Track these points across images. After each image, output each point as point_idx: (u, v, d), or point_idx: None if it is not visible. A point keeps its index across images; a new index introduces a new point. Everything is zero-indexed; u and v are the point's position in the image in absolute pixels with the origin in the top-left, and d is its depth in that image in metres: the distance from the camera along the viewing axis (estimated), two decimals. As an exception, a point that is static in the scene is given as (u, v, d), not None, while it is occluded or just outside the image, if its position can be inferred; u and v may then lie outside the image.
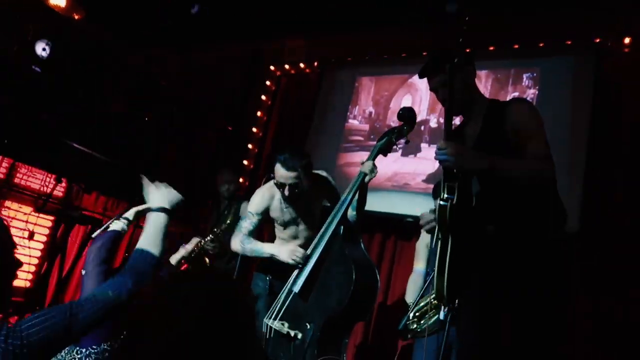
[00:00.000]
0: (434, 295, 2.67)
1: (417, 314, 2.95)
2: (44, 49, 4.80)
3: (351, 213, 2.90)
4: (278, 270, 2.85)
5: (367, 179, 2.79)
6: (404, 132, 2.83)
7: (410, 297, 3.15)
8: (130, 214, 2.17)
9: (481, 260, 2.00)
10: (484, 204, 1.99)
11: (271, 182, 2.98)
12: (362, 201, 2.90)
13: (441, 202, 1.94)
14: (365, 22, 4.99)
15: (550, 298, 2.04)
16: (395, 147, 2.89)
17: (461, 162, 1.96)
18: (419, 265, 3.19)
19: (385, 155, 2.89)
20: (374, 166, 2.79)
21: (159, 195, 1.75)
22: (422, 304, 2.97)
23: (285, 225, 3.07)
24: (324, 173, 3.14)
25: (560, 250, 2.12)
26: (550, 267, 2.04)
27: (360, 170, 2.80)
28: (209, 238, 4.01)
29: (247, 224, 3.03)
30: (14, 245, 1.43)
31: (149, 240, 1.62)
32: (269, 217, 3.09)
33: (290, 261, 2.75)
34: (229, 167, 4.54)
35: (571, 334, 3.29)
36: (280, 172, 2.83)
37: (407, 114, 2.81)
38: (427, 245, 3.13)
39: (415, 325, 2.90)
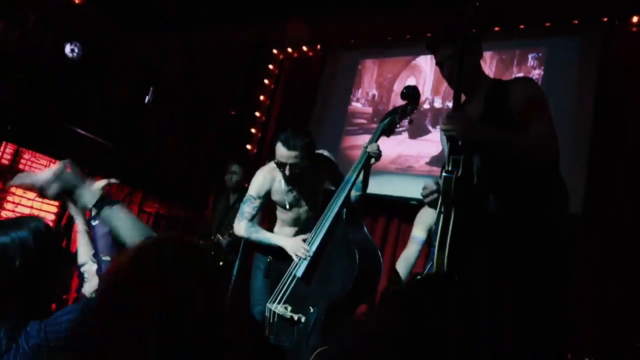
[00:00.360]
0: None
1: None
2: (72, 50, 4.79)
3: (354, 194, 2.85)
4: (279, 252, 2.80)
5: (372, 161, 2.73)
6: (407, 111, 2.75)
7: (401, 266, 3.10)
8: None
9: (483, 238, 1.99)
10: (486, 181, 1.97)
11: (271, 164, 2.90)
12: (365, 183, 2.84)
13: (446, 174, 1.92)
14: (368, 4, 4.92)
15: (552, 278, 2.03)
16: (398, 127, 2.82)
17: (468, 133, 1.94)
18: (417, 231, 3.13)
19: (388, 136, 2.82)
20: (379, 148, 2.72)
21: (88, 191, 1.59)
22: None
23: (287, 207, 3.00)
24: (326, 153, 3.07)
25: (563, 230, 2.10)
26: (552, 246, 2.03)
27: (365, 152, 2.72)
28: (227, 234, 3.94)
29: (249, 208, 2.93)
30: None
31: (134, 233, 1.46)
32: (270, 199, 3.02)
33: (294, 257, 2.71)
34: (235, 158, 4.50)
35: (572, 318, 3.28)
36: (281, 151, 2.73)
37: (410, 93, 2.73)
38: (429, 224, 3.09)
39: None
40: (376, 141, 2.74)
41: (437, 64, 2.25)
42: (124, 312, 0.92)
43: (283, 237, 2.92)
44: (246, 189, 3.02)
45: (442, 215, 1.95)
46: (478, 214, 1.98)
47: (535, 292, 1.98)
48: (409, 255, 3.14)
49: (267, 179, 2.96)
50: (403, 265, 3.12)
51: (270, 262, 3.01)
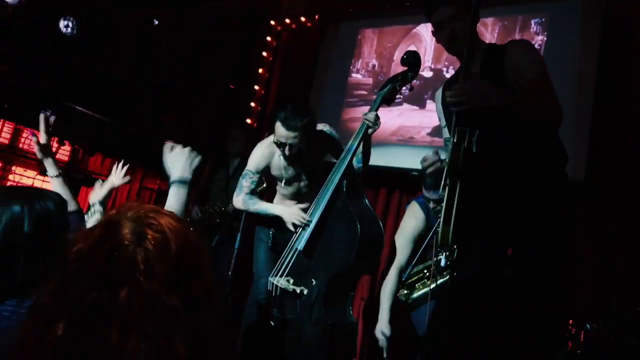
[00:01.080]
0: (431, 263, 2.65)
1: (408, 280, 2.92)
2: (66, 26, 4.71)
3: (356, 166, 2.83)
4: (281, 224, 2.79)
5: (370, 131, 2.67)
6: (408, 78, 2.67)
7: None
8: (98, 200, 2.16)
9: (485, 207, 1.97)
10: (486, 148, 1.94)
11: (270, 138, 2.86)
12: (366, 154, 2.80)
13: (453, 146, 1.89)
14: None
15: (555, 248, 2.02)
16: (399, 94, 2.74)
17: (480, 100, 1.88)
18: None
19: (389, 104, 2.76)
20: (377, 117, 2.66)
21: (182, 166, 1.65)
22: (418, 268, 2.94)
23: (287, 182, 2.98)
24: (326, 127, 3.03)
25: (564, 197, 2.08)
26: (554, 214, 2.02)
27: (363, 121, 2.68)
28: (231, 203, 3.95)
29: (247, 182, 2.92)
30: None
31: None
32: (270, 174, 3.00)
33: (291, 226, 2.71)
34: (237, 125, 4.49)
35: (573, 284, 3.29)
36: (280, 131, 2.71)
37: (411, 59, 2.64)
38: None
39: (404, 293, 2.89)
40: (376, 110, 2.68)
41: (434, 25, 2.18)
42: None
43: (280, 206, 2.92)
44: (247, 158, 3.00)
45: (447, 188, 1.92)
46: (482, 185, 1.96)
47: (536, 260, 1.97)
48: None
49: (266, 154, 2.93)
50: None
51: (274, 235, 3.01)
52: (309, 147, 2.81)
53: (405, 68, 2.69)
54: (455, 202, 1.87)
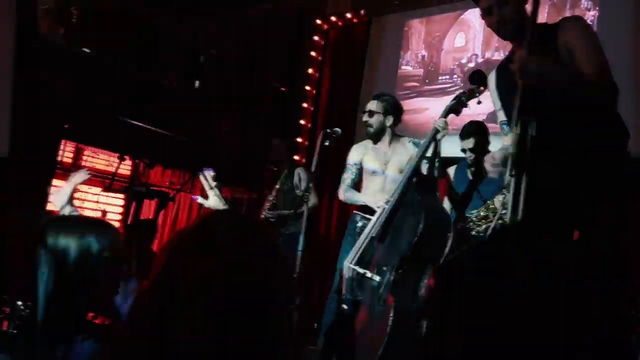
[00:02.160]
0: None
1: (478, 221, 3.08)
2: None
3: (425, 166, 3.03)
4: (370, 213, 3.09)
5: (438, 136, 2.89)
6: (475, 93, 2.86)
7: None
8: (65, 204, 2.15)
9: (549, 194, 1.91)
10: (547, 134, 1.87)
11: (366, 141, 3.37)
12: (434, 154, 3.00)
13: (518, 137, 1.84)
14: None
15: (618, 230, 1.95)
16: (467, 107, 2.94)
17: (541, 80, 1.82)
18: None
19: (457, 114, 2.97)
20: (446, 124, 2.89)
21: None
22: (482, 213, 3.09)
23: (374, 174, 3.34)
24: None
25: (626, 177, 2.00)
26: (617, 194, 1.94)
27: (433, 126, 2.92)
28: (267, 206, 4.01)
29: (348, 174, 3.43)
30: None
31: None
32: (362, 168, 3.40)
33: (375, 208, 3.00)
34: (278, 135, 4.50)
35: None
36: (369, 102, 3.31)
37: (478, 77, 2.77)
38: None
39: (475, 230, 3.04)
40: (445, 117, 2.91)
41: (482, 11, 2.12)
42: (173, 290, 0.83)
43: (366, 194, 3.31)
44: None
45: (513, 180, 1.87)
46: (545, 172, 1.91)
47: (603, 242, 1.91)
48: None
49: (361, 146, 3.44)
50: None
51: (363, 223, 3.26)
52: (396, 146, 3.32)
53: (474, 85, 2.83)
54: (522, 192, 1.83)
